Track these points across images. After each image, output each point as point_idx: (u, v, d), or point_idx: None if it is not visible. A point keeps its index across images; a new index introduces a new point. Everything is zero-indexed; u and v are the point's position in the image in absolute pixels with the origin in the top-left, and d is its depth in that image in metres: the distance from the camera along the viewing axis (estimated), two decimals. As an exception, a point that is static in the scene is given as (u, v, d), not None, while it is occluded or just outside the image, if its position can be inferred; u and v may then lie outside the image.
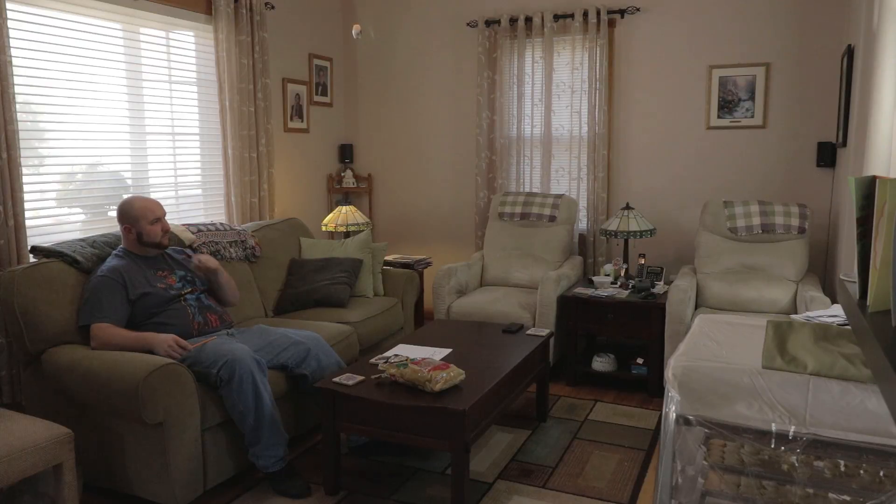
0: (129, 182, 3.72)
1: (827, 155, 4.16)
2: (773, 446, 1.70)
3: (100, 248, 3.06)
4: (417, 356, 3.04)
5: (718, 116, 4.42)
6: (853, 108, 3.46)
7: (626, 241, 4.35)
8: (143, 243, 2.95)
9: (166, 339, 2.73)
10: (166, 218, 3.03)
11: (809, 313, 2.40)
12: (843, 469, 1.64)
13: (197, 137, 4.12)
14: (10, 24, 2.96)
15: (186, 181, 4.08)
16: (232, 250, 3.70)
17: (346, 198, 5.42)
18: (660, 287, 4.07)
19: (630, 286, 4.11)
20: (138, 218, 2.92)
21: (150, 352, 2.69)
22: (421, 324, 4.65)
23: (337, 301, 3.81)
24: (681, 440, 1.83)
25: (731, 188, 4.43)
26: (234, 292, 3.27)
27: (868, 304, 1.22)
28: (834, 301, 3.41)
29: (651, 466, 3.02)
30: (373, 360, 2.92)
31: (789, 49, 4.23)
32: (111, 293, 2.79)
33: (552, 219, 4.52)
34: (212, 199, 4.24)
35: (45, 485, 2.43)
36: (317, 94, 5.05)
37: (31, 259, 2.97)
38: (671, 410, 1.85)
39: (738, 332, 2.18)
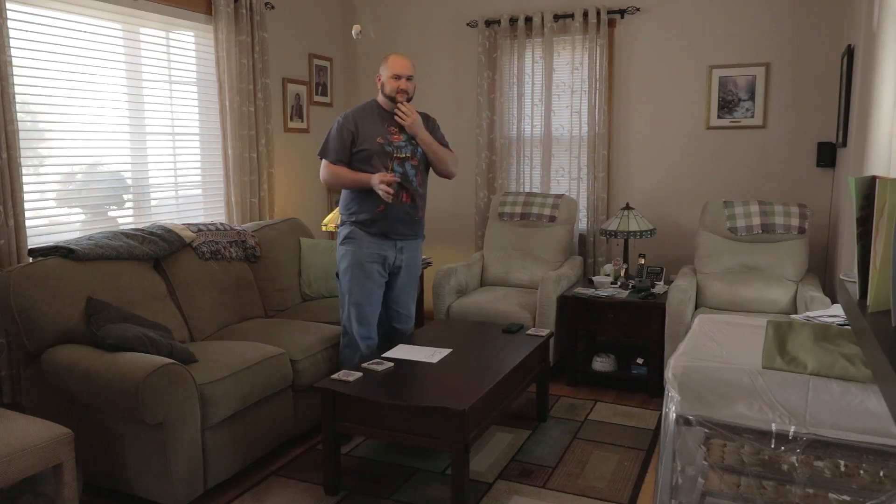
0: (129, 182, 3.72)
1: (827, 155, 4.16)
2: (773, 446, 1.70)
3: (97, 240, 3.08)
4: (417, 356, 3.04)
5: (718, 116, 4.42)
6: (853, 108, 3.46)
7: (626, 241, 4.35)
8: (384, 94, 3.23)
9: (374, 177, 3.09)
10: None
11: (809, 313, 2.40)
12: (843, 469, 1.65)
13: (197, 137, 4.12)
14: (10, 24, 2.96)
15: (186, 181, 4.08)
16: (232, 250, 3.70)
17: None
18: (660, 287, 4.07)
19: (630, 286, 4.11)
20: (385, 68, 3.22)
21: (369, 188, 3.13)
22: (421, 324, 4.64)
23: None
24: (681, 440, 1.83)
25: (731, 188, 4.43)
26: (444, 164, 3.33)
27: (868, 304, 1.22)
28: (834, 301, 3.40)
29: (651, 466, 3.02)
30: (364, 364, 2.92)
31: (789, 49, 4.23)
32: (340, 137, 3.21)
33: (552, 219, 4.52)
34: (212, 199, 4.24)
35: (45, 485, 2.43)
36: (317, 94, 5.05)
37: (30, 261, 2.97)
38: (671, 410, 1.85)
39: (738, 332, 2.18)
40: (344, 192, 3.31)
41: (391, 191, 3.08)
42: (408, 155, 3.23)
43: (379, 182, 3.07)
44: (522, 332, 3.48)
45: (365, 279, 3.23)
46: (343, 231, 3.29)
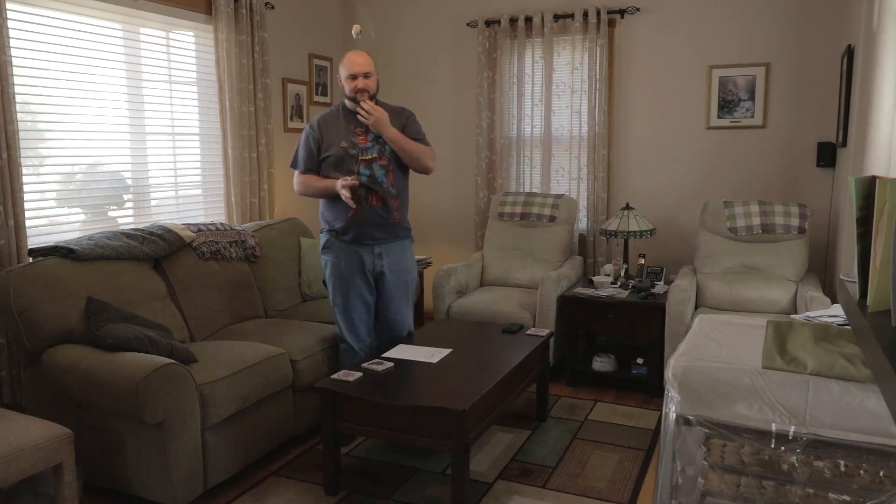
0: (129, 182, 3.72)
1: (827, 155, 4.16)
2: (773, 446, 1.70)
3: (97, 240, 3.08)
4: (417, 356, 3.04)
5: (718, 116, 4.42)
6: (853, 108, 3.46)
7: (626, 241, 4.35)
8: (346, 95, 3.16)
9: (337, 182, 3.03)
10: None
11: (809, 313, 2.40)
12: (843, 469, 1.65)
13: (197, 137, 4.12)
14: (10, 24, 2.96)
15: (186, 181, 4.08)
16: (232, 250, 3.70)
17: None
18: (660, 287, 4.07)
19: (630, 286, 4.11)
20: (342, 68, 3.15)
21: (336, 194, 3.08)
22: (421, 324, 4.64)
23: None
24: (681, 440, 1.83)
25: (731, 188, 4.43)
26: (415, 160, 3.18)
27: (868, 304, 1.22)
28: (834, 301, 3.41)
29: (651, 466, 3.02)
30: (364, 364, 2.92)
31: (789, 49, 4.23)
32: (306, 146, 3.21)
33: (552, 219, 4.52)
34: (212, 199, 4.23)
35: (45, 485, 2.43)
36: (317, 94, 5.05)
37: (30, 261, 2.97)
38: (671, 410, 1.85)
39: (738, 332, 2.18)
40: (321, 201, 3.25)
41: (350, 195, 3.00)
42: (375, 155, 3.12)
43: (341, 187, 3.01)
44: (522, 332, 3.47)
45: (346, 287, 3.19)
46: (322, 240, 3.25)
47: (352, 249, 3.17)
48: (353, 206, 3.04)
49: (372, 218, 3.14)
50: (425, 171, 3.24)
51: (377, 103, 3.18)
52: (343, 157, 3.11)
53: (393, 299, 3.28)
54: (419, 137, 3.24)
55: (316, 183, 3.17)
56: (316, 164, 3.19)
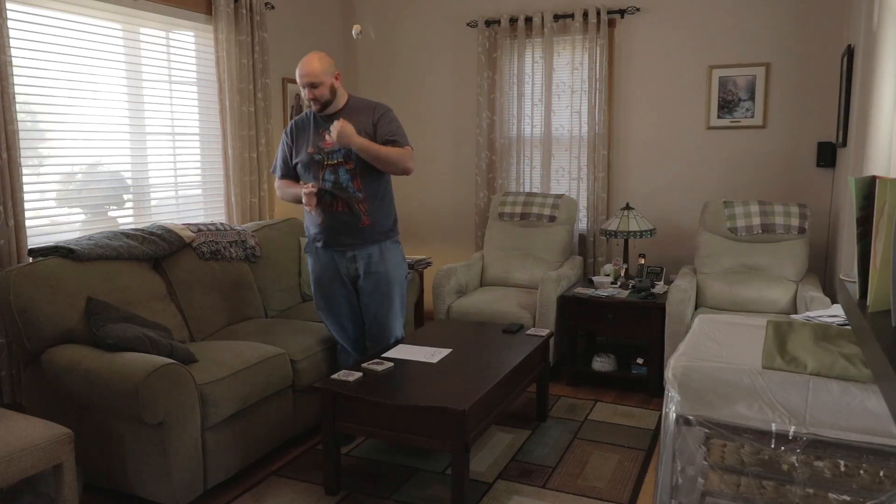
0: (129, 182, 3.72)
1: (827, 155, 4.16)
2: (773, 446, 1.70)
3: (97, 240, 3.08)
4: (417, 356, 3.04)
5: (718, 116, 4.42)
6: (853, 108, 3.46)
7: (626, 241, 4.35)
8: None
9: (301, 189, 3.02)
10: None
11: (809, 313, 2.40)
12: (843, 469, 1.65)
13: (197, 137, 4.12)
14: (10, 24, 2.96)
15: (186, 181, 4.08)
16: (232, 250, 3.70)
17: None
18: (660, 287, 4.07)
19: (630, 286, 4.11)
20: (298, 79, 3.07)
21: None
22: (421, 324, 4.64)
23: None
24: (681, 440, 1.83)
25: (731, 188, 4.43)
26: (388, 165, 3.02)
27: (868, 304, 1.22)
28: (834, 301, 3.41)
29: (651, 466, 3.02)
30: (364, 364, 2.92)
31: (789, 49, 4.23)
32: (282, 152, 3.23)
33: (552, 219, 4.52)
34: (212, 199, 4.23)
35: (45, 485, 2.43)
36: (317, 94, 5.04)
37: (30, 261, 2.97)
38: (671, 410, 1.85)
39: (738, 332, 2.18)
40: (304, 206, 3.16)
41: (309, 201, 2.95)
42: (340, 160, 3.02)
43: (303, 193, 2.98)
44: (522, 332, 3.48)
45: (327, 291, 3.20)
46: (305, 243, 3.27)
47: (327, 255, 3.15)
48: (313, 212, 3.01)
49: (340, 224, 3.07)
50: (404, 173, 3.08)
51: (349, 99, 3.12)
52: (309, 162, 3.07)
53: (371, 304, 3.19)
54: (392, 139, 3.03)
55: (289, 189, 3.18)
56: (291, 169, 3.19)
